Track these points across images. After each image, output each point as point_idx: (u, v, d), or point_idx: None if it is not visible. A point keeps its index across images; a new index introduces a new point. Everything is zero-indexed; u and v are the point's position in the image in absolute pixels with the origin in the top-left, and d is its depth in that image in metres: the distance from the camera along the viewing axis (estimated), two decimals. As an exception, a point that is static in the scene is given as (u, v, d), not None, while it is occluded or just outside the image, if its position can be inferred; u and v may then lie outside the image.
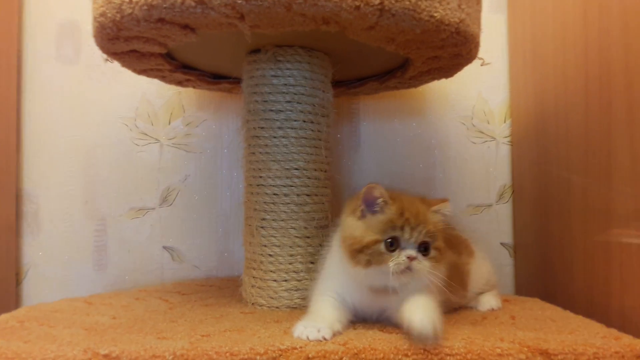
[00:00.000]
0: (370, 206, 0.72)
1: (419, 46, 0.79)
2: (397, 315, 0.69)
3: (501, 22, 1.28)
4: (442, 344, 0.63)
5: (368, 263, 0.69)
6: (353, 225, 0.73)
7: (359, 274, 0.71)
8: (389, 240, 0.69)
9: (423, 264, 0.69)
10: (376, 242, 0.69)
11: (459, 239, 0.92)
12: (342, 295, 0.75)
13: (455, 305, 0.84)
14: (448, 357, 0.62)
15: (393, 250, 0.69)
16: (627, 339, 0.66)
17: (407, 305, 0.69)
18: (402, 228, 0.69)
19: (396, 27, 0.71)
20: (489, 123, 1.28)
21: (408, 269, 0.68)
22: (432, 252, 0.70)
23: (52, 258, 1.23)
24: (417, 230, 0.69)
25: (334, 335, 0.67)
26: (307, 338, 0.65)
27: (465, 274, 0.88)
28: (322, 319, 0.69)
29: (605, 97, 0.87)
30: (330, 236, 0.83)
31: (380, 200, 0.71)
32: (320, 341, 0.64)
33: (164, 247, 1.24)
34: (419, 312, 0.66)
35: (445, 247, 0.72)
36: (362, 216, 0.72)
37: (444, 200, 0.74)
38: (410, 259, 0.68)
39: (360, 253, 0.70)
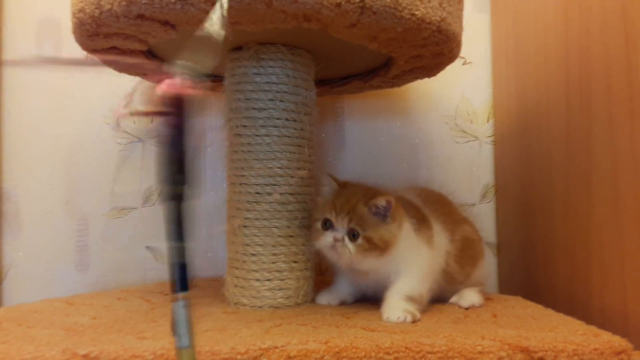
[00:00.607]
0: (324, 190, 0.88)
1: (401, 45, 0.79)
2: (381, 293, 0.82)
3: (484, 21, 1.29)
4: (422, 342, 0.63)
5: (313, 237, 0.84)
6: (315, 207, 0.89)
7: (315, 247, 0.84)
8: (324, 219, 0.81)
9: (347, 247, 0.79)
10: (315, 219, 0.84)
11: (474, 226, 0.98)
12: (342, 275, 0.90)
13: (457, 284, 0.91)
14: (429, 355, 0.62)
15: (326, 230, 0.81)
16: (606, 336, 0.66)
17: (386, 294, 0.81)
18: (331, 212, 0.80)
19: (377, 25, 0.71)
20: (472, 123, 1.28)
21: (333, 248, 0.80)
22: (360, 240, 0.79)
23: (33, 258, 1.21)
24: (341, 217, 0.79)
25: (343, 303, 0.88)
26: (323, 302, 0.88)
27: (478, 254, 0.95)
28: (336, 291, 0.90)
29: (585, 97, 0.87)
30: None
31: (328, 187, 0.87)
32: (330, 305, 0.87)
33: (147, 247, 1.23)
34: (389, 300, 0.80)
35: (385, 240, 0.79)
36: (319, 197, 0.90)
37: (383, 196, 0.80)
38: (335, 239, 0.79)
39: (310, 228, 0.86)
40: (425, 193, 0.97)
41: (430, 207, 0.92)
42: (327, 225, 0.81)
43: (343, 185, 0.86)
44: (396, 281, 0.81)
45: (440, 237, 0.88)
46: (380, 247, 0.79)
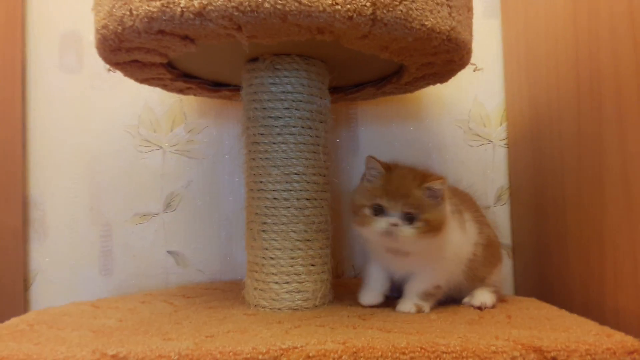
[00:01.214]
0: (369, 174, 0.85)
1: (412, 53, 0.82)
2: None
3: (495, 26, 1.30)
4: (437, 342, 0.65)
5: (361, 223, 0.82)
6: (356, 189, 0.87)
7: (361, 233, 0.84)
8: (375, 206, 0.80)
9: (405, 231, 0.78)
10: (363, 206, 0.81)
11: (495, 230, 1.00)
12: (378, 261, 0.89)
13: (477, 281, 0.92)
14: (444, 355, 0.63)
15: (377, 216, 0.79)
16: (618, 336, 0.68)
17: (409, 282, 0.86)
18: (384, 197, 0.79)
19: (389, 35, 0.73)
20: (485, 126, 1.30)
21: (389, 233, 0.78)
22: (418, 223, 0.78)
23: (59, 263, 1.26)
24: (395, 202, 0.78)
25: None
26: (364, 303, 0.88)
27: (498, 257, 0.96)
28: (373, 287, 0.89)
29: (595, 100, 0.89)
30: None
31: (374, 170, 0.84)
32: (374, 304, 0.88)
33: (168, 252, 1.27)
34: (407, 293, 0.86)
35: (440, 221, 0.80)
36: (363, 181, 0.86)
37: (438, 178, 0.80)
38: (392, 224, 0.78)
39: (355, 214, 0.83)
40: (453, 189, 0.98)
41: (460, 200, 0.94)
42: (378, 211, 0.80)
43: (388, 169, 0.84)
44: (421, 273, 0.86)
45: (471, 226, 0.91)
46: (436, 228, 0.79)
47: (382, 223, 0.79)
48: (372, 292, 0.89)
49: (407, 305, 0.85)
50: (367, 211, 0.81)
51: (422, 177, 0.81)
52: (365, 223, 0.81)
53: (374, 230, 0.80)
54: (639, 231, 0.79)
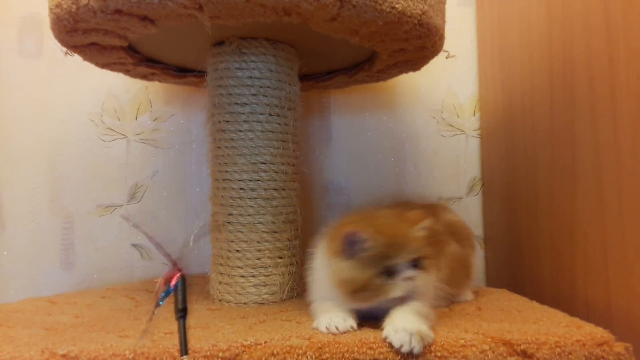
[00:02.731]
0: (353, 245, 0.69)
1: (383, 38, 0.79)
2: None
3: (470, 15, 1.28)
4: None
5: (372, 297, 0.68)
6: (344, 268, 0.69)
7: (358, 304, 0.70)
8: (385, 271, 0.67)
9: (422, 279, 0.68)
10: (373, 276, 0.67)
11: (463, 228, 0.93)
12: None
13: (456, 298, 0.85)
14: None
15: (390, 277, 0.67)
16: (588, 327, 0.67)
17: (394, 311, 0.68)
18: (391, 256, 0.68)
19: (358, 18, 0.70)
20: (458, 116, 1.28)
21: (407, 289, 0.67)
22: (425, 263, 0.69)
23: (18, 257, 1.20)
24: (406, 252, 0.68)
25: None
26: (337, 329, 0.65)
27: (469, 266, 0.90)
28: (342, 312, 0.69)
29: (568, 92, 0.88)
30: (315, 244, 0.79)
31: (363, 239, 0.69)
32: (348, 331, 0.66)
33: (133, 245, 1.22)
34: (399, 320, 0.65)
35: (429, 250, 0.71)
36: (350, 257, 0.69)
37: (422, 218, 0.72)
38: (408, 278, 0.67)
39: (362, 292, 0.68)
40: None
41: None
42: (389, 272, 0.68)
43: (376, 229, 0.70)
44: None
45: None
46: (430, 263, 0.71)
47: (403, 285, 0.67)
48: (338, 318, 0.68)
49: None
50: (378, 281, 0.67)
51: (407, 218, 0.73)
52: (381, 293, 0.67)
53: (395, 294, 0.67)
54: (609, 223, 0.78)
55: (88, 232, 1.22)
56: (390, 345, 0.61)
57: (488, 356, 0.61)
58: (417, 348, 0.61)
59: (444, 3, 0.84)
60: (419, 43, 0.82)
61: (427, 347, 0.62)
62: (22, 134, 1.21)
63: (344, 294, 0.69)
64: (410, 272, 0.68)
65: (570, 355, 0.62)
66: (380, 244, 0.68)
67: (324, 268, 0.73)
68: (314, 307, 0.75)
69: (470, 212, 1.27)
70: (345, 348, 0.61)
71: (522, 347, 0.62)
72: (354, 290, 0.68)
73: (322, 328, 0.66)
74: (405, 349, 0.60)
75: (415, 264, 0.69)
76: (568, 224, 0.88)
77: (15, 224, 1.20)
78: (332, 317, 0.67)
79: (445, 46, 0.91)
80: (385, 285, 0.67)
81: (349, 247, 0.69)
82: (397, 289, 0.67)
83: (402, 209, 0.79)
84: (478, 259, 1.25)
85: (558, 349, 0.62)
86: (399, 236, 0.69)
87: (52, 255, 1.21)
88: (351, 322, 0.67)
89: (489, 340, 0.63)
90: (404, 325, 0.63)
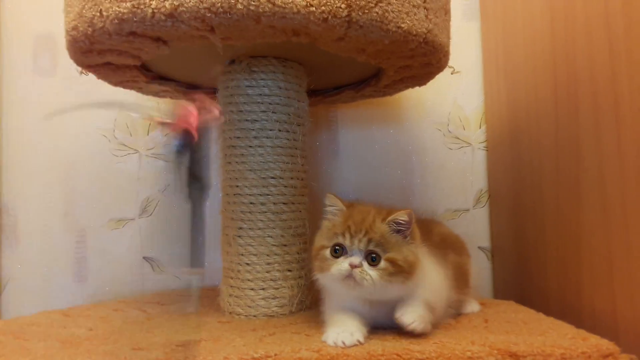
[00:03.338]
0: (330, 212, 0.76)
1: (389, 56, 0.81)
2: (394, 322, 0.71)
3: (475, 29, 1.30)
4: (412, 348, 0.64)
5: (320, 269, 0.72)
6: (317, 236, 0.76)
7: (323, 281, 0.74)
8: (335, 246, 0.70)
9: (369, 274, 0.68)
10: (323, 247, 0.72)
11: (457, 239, 0.95)
12: (346, 307, 0.74)
13: (458, 308, 0.86)
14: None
15: (338, 257, 0.70)
16: (594, 339, 0.67)
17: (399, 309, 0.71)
18: (344, 235, 0.70)
19: (365, 38, 0.72)
20: (464, 129, 1.30)
21: (351, 277, 0.68)
22: (383, 264, 0.68)
23: (32, 271, 1.22)
24: (358, 238, 0.69)
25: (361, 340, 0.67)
26: (343, 344, 0.65)
27: (467, 274, 0.91)
28: (350, 325, 0.70)
29: (572, 104, 0.89)
30: None
31: (332, 208, 0.75)
32: (355, 345, 0.66)
33: (144, 258, 1.24)
34: (407, 309, 0.70)
35: (410, 262, 0.70)
36: (323, 222, 0.76)
37: (402, 211, 0.71)
38: (352, 266, 0.68)
39: (315, 259, 0.73)
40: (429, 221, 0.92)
41: (438, 235, 0.89)
42: (339, 251, 0.70)
43: (350, 206, 0.75)
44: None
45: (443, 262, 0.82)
46: (405, 270, 0.69)
47: (342, 264, 0.68)
48: (345, 333, 0.68)
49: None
50: (326, 253, 0.71)
51: (387, 211, 0.72)
52: (325, 267, 0.70)
53: (335, 274, 0.69)
54: (613, 233, 0.79)
55: (100, 245, 1.24)
56: (402, 324, 0.68)
57: (494, 368, 0.62)
58: (428, 328, 0.69)
59: (448, 21, 0.86)
60: (425, 60, 0.84)
61: (433, 359, 0.63)
62: (37, 149, 1.24)
63: (312, 260, 0.75)
64: (355, 259, 0.68)
65: (575, 367, 0.62)
66: (340, 219, 0.73)
67: None
68: (326, 316, 0.76)
69: (477, 224, 1.28)
70: (354, 360, 0.62)
71: (528, 359, 0.63)
72: (312, 255, 0.74)
73: (330, 342, 0.67)
74: (415, 325, 0.68)
75: (372, 258, 0.69)
76: (574, 235, 0.89)
77: (30, 238, 1.23)
78: (339, 332, 0.67)
79: (451, 60, 0.92)
80: (329, 261, 0.70)
81: (326, 209, 0.76)
82: (335, 267, 0.69)
83: None
84: (485, 271, 1.26)
85: (564, 361, 0.63)
86: (359, 219, 0.71)
87: (66, 268, 1.23)
88: (358, 336, 0.67)
89: (496, 352, 0.63)
90: (411, 309, 0.70)
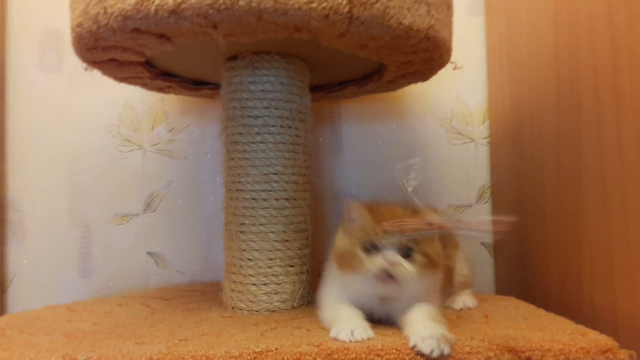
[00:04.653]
0: (350, 217, 0.75)
1: (391, 52, 0.81)
2: (400, 319, 0.71)
3: (479, 24, 1.30)
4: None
5: (349, 267, 0.71)
6: (340, 237, 0.76)
7: (350, 282, 0.73)
8: (367, 244, 0.69)
9: (407, 270, 0.68)
10: (354, 247, 0.71)
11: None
12: (354, 303, 0.74)
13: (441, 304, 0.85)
14: (419, 357, 0.63)
15: (371, 255, 0.69)
16: (593, 334, 0.68)
17: (409, 317, 0.69)
18: (375, 232, 0.69)
19: (366, 34, 0.73)
20: (467, 125, 1.30)
21: (390, 276, 0.68)
22: (418, 257, 0.68)
23: (37, 265, 1.24)
24: (391, 234, 0.68)
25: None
26: (356, 339, 0.65)
27: (451, 269, 0.89)
28: (359, 321, 0.70)
29: (574, 99, 0.89)
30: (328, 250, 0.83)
31: (352, 213, 0.74)
32: (364, 340, 0.65)
33: (148, 253, 1.25)
34: (422, 327, 0.66)
35: (439, 253, 0.71)
36: (345, 224, 0.76)
37: (431, 209, 0.73)
38: (389, 262, 0.67)
39: (343, 259, 0.72)
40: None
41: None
42: (369, 249, 0.69)
43: (370, 207, 0.74)
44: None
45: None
46: (436, 263, 0.70)
47: (377, 261, 0.68)
48: (357, 329, 0.67)
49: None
50: (357, 251, 0.70)
51: (413, 209, 0.73)
52: (355, 265, 0.69)
53: (370, 271, 0.68)
54: (614, 229, 0.79)
55: (105, 240, 1.25)
56: (420, 353, 0.62)
57: (493, 363, 0.63)
58: (446, 350, 0.62)
59: (451, 16, 0.86)
60: (426, 56, 0.84)
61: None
62: (42, 145, 1.25)
63: (334, 262, 0.74)
64: (391, 255, 0.68)
65: (574, 363, 0.63)
66: (369, 217, 0.71)
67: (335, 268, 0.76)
68: (325, 311, 0.76)
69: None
70: (354, 355, 0.62)
71: (526, 354, 0.63)
72: (340, 255, 0.73)
73: (344, 338, 0.66)
74: (436, 354, 0.61)
75: (407, 252, 0.69)
76: (574, 230, 0.89)
77: (35, 233, 1.24)
78: (352, 329, 0.67)
79: (455, 55, 0.92)
80: (358, 261, 0.70)
81: (348, 219, 0.75)
82: (371, 265, 0.68)
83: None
84: (488, 266, 1.27)
85: (562, 356, 0.63)
86: (389, 216, 0.70)
87: (71, 263, 1.24)
88: (370, 333, 0.67)
89: (494, 347, 0.64)
90: (427, 332, 0.64)
